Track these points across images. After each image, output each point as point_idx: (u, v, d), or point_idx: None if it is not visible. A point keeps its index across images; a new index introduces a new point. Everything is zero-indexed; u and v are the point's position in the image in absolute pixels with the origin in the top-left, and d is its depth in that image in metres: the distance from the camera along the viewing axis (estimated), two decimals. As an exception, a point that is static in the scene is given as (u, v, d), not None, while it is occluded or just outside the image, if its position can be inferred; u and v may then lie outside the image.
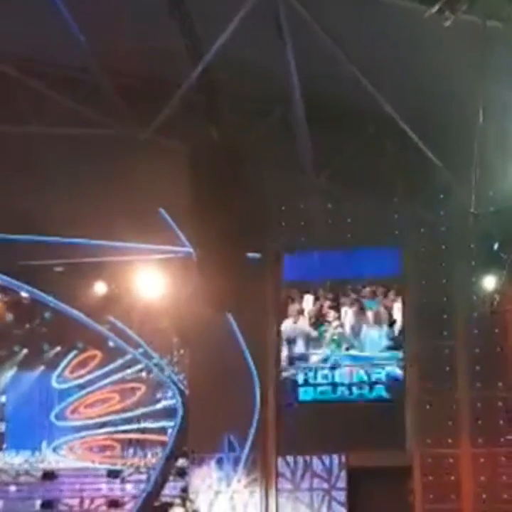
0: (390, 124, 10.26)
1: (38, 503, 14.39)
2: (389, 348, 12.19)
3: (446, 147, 10.53)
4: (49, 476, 14.69)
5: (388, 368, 12.09)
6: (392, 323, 12.20)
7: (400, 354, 12.09)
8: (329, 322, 12.40)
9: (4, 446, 15.05)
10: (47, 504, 14.39)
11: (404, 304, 12.14)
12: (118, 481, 14.32)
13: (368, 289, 12.27)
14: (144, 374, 14.61)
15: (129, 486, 14.24)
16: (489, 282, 10.76)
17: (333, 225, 12.27)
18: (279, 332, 12.54)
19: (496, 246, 10.02)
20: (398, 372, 12.05)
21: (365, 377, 12.14)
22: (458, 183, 10.52)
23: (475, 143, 9.58)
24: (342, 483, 11.95)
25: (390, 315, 12.21)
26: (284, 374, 12.41)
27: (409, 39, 8.97)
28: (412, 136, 10.27)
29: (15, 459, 14.93)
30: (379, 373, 12.10)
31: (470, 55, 8.64)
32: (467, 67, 8.82)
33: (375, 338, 12.24)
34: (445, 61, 9.11)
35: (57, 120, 10.80)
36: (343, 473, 11.95)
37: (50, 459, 14.90)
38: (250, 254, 12.34)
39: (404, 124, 10.19)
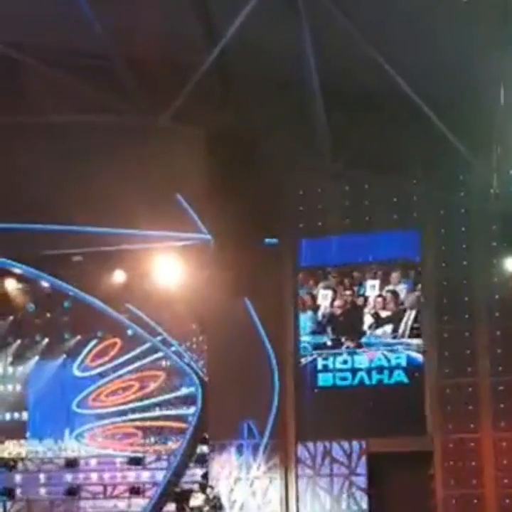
0: (408, 105, 10.15)
1: (62, 490, 14.55)
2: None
3: (466, 128, 10.37)
4: (72, 463, 14.83)
5: (408, 353, 12.01)
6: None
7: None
8: None
9: (27, 434, 15.22)
10: (70, 491, 14.54)
11: (423, 286, 11.99)
12: (139, 468, 14.42)
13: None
14: (163, 362, 14.68)
15: (150, 473, 14.32)
16: (510, 263, 10.62)
17: (350, 209, 12.14)
18: (297, 317, 12.50)
19: (517, 227, 9.92)
20: (418, 356, 11.95)
21: (385, 363, 12.07)
22: (478, 164, 10.39)
23: (495, 122, 9.45)
24: (362, 469, 11.88)
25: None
26: (303, 360, 12.38)
27: (426, 17, 8.85)
28: (431, 117, 10.16)
29: (38, 447, 15.09)
30: (398, 358, 12.01)
31: (489, 32, 8.52)
32: (487, 44, 8.68)
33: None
34: (464, 38, 8.96)
35: (75, 108, 10.85)
36: (363, 459, 11.88)
37: (73, 446, 15.03)
38: (267, 240, 12.43)
39: (423, 105, 10.08)
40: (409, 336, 11.94)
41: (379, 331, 12.05)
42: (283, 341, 12.38)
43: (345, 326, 12.22)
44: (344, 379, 12.16)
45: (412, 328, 11.90)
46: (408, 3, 8.76)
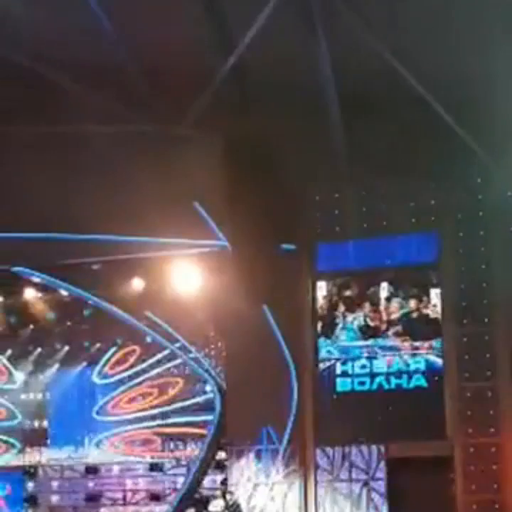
0: (426, 109, 10.21)
1: (83, 497, 14.63)
2: None
3: (484, 130, 10.39)
4: (92, 470, 14.92)
5: (427, 357, 12.00)
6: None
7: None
8: None
9: (48, 442, 15.32)
10: (91, 498, 14.62)
11: (442, 290, 12.01)
12: (159, 474, 14.48)
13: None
14: (182, 368, 14.74)
15: (169, 480, 14.36)
16: (529, 267, 10.60)
17: (367, 213, 12.15)
18: (315, 322, 12.53)
19: (535, 230, 9.90)
20: (437, 360, 11.93)
21: (404, 367, 12.06)
22: (496, 167, 10.42)
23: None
24: (381, 474, 11.85)
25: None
26: (322, 365, 12.40)
27: (443, 21, 8.91)
28: (448, 120, 10.21)
29: (59, 455, 15.18)
30: (418, 362, 11.99)
31: (508, 31, 8.53)
32: (506, 44, 8.70)
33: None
34: (482, 39, 8.98)
35: (94, 120, 11.01)
36: (382, 464, 11.86)
37: (93, 453, 15.11)
38: (285, 246, 12.49)
39: (440, 108, 10.13)
40: None
41: None
42: (301, 347, 12.41)
43: None
44: (362, 383, 12.18)
45: None
46: (423, 6, 8.82)
